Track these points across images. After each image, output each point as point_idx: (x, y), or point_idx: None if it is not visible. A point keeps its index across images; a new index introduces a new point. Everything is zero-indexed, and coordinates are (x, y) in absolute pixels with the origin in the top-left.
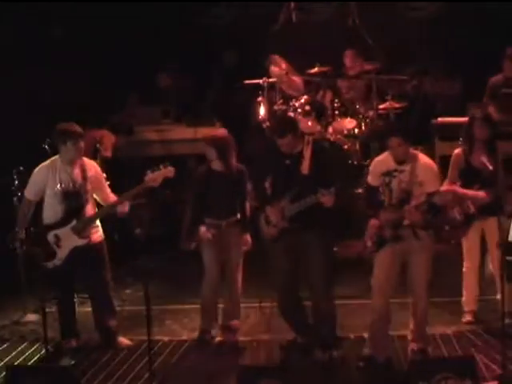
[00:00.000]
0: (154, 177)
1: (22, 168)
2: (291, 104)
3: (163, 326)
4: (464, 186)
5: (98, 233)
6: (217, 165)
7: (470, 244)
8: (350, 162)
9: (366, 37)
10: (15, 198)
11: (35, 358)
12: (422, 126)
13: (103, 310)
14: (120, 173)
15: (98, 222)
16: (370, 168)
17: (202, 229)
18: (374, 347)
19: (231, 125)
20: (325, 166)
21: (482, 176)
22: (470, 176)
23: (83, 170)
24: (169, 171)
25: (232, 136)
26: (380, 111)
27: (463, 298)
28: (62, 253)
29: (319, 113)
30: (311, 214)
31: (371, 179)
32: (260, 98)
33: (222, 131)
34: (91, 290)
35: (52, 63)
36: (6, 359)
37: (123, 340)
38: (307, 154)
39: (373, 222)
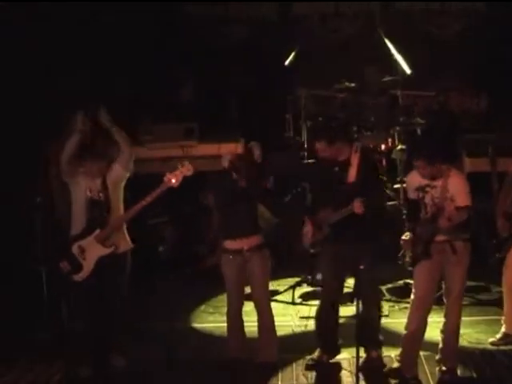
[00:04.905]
0: (173, 176)
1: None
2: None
3: (187, 344)
4: None
5: (124, 240)
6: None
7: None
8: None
9: (392, 52)
10: (36, 215)
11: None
12: (449, 143)
13: (108, 324)
14: (139, 190)
15: (124, 230)
16: (406, 182)
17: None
18: (404, 363)
19: (254, 140)
20: (371, 175)
21: None
22: None
23: (104, 179)
24: (187, 169)
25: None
26: (406, 127)
27: (503, 318)
28: (88, 265)
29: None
30: (353, 223)
31: (409, 193)
32: (287, 115)
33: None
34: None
35: (62, 76)
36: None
37: (118, 359)
38: (354, 161)
39: (405, 236)
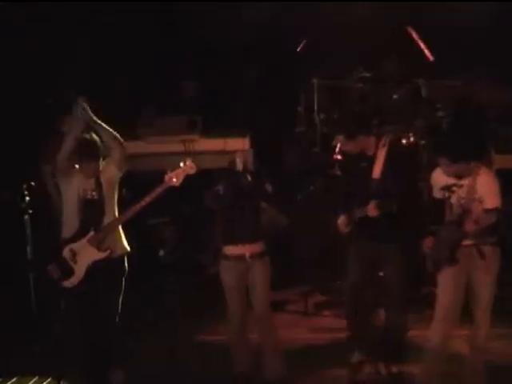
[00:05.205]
0: (175, 175)
1: (32, 183)
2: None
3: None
4: None
5: (120, 244)
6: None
7: None
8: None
9: (416, 39)
10: (26, 216)
11: None
12: (475, 139)
13: (103, 334)
14: (137, 188)
15: (121, 232)
16: (431, 180)
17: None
18: (427, 379)
19: (263, 135)
20: (396, 173)
21: None
22: None
23: (97, 177)
24: (189, 167)
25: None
26: (429, 120)
27: None
28: (80, 270)
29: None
30: (373, 223)
31: (434, 192)
32: (299, 108)
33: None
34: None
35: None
36: None
37: (116, 374)
38: (380, 157)
39: (427, 240)
